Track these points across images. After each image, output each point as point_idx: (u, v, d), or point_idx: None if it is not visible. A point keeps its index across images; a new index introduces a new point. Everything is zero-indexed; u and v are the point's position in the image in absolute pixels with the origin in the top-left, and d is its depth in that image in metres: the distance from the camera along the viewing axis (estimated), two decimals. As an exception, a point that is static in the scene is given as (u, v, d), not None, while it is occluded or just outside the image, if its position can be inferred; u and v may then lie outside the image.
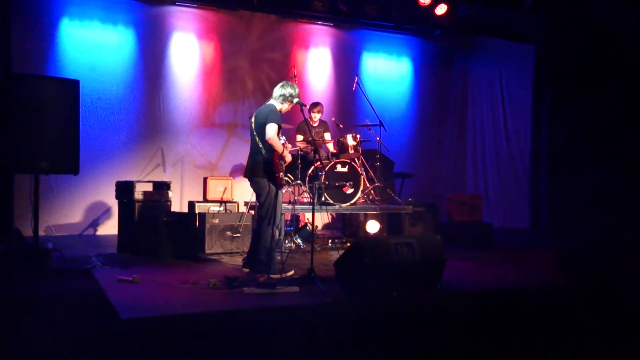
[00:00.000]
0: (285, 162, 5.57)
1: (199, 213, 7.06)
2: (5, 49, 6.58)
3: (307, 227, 7.41)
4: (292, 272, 5.46)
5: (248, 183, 8.75)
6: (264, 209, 5.51)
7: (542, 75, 9.48)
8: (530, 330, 4.65)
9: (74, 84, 5.38)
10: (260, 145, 5.48)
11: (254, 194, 5.81)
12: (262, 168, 5.47)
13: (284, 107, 5.63)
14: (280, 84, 5.67)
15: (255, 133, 5.55)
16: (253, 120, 5.62)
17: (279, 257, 5.83)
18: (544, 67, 9.44)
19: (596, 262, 5.57)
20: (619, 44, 8.44)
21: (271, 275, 5.33)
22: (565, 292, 5.33)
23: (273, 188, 5.48)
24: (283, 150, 5.52)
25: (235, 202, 7.60)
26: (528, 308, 4.91)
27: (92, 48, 8.42)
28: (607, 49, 8.60)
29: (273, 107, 5.54)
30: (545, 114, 9.40)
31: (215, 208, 7.39)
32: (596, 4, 8.61)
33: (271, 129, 5.39)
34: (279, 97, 5.60)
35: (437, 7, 9.05)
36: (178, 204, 8.47)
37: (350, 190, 7.45)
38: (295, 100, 5.64)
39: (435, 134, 11.04)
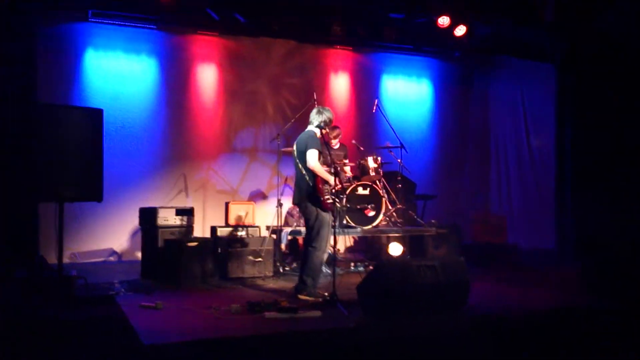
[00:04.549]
0: (330, 185, 5.62)
1: (221, 238, 7.07)
2: (31, 79, 6.74)
3: (329, 251, 7.36)
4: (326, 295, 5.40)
5: (269, 207, 8.86)
6: (312, 233, 5.59)
7: (565, 93, 9.39)
8: (559, 353, 4.52)
9: (97, 113, 5.48)
10: (304, 172, 5.59)
11: (302, 218, 5.93)
12: (307, 194, 5.56)
13: (321, 132, 5.72)
14: (316, 109, 5.79)
15: (297, 160, 5.67)
16: (295, 148, 5.75)
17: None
18: (567, 86, 9.36)
19: (625, 281, 5.43)
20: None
21: (307, 297, 5.42)
22: (594, 313, 5.19)
23: (321, 212, 5.54)
24: (327, 174, 5.60)
25: (257, 227, 7.59)
26: (557, 331, 4.79)
27: (116, 78, 8.59)
28: (629, 65, 8.50)
29: (313, 134, 5.68)
30: (569, 132, 9.29)
31: (237, 233, 7.39)
32: (616, 22, 8.54)
33: (312, 156, 5.51)
34: (315, 123, 5.71)
35: (457, 29, 9.03)
36: (201, 229, 8.50)
37: (372, 213, 7.41)
38: (328, 125, 5.74)
39: (457, 154, 10.96)
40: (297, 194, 5.72)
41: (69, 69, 8.32)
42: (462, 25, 9.02)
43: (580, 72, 9.12)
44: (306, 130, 5.78)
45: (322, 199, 5.49)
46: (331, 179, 5.61)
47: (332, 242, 5.56)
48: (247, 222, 7.59)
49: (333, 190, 5.57)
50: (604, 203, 8.36)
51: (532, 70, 10.28)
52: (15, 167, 5.20)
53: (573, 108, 9.26)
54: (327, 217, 5.58)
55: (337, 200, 5.61)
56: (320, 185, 5.51)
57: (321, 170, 5.54)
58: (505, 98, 10.96)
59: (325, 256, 5.71)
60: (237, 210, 7.66)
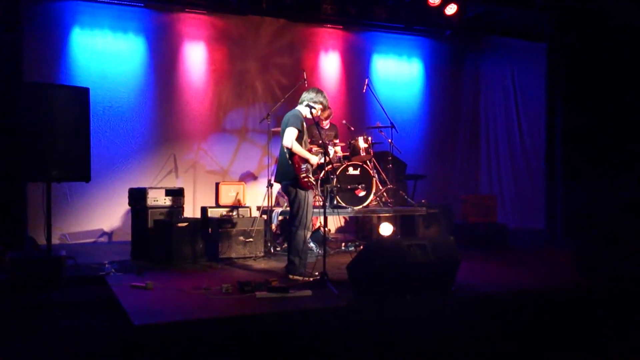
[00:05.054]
0: (312, 165, 5.63)
1: (212, 218, 7.05)
2: (17, 58, 6.62)
3: (320, 231, 7.37)
4: (317, 274, 5.42)
5: (259, 187, 8.86)
6: (293, 212, 5.62)
7: (555, 73, 9.37)
8: (546, 332, 4.57)
9: (84, 92, 5.41)
10: (285, 150, 5.57)
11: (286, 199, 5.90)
12: (286, 172, 5.57)
13: (310, 111, 5.69)
14: (308, 90, 5.79)
15: (281, 139, 5.65)
16: (281, 126, 5.74)
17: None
18: (557, 65, 9.34)
19: (615, 263, 5.48)
20: (632, 39, 8.33)
21: (297, 277, 5.43)
22: (583, 293, 5.24)
23: (299, 191, 5.54)
24: (307, 153, 5.59)
25: (247, 207, 7.58)
26: (544, 310, 4.83)
27: (103, 56, 8.48)
28: (620, 45, 8.49)
29: (297, 113, 5.68)
30: (559, 111, 9.30)
31: (227, 213, 7.38)
32: (608, 1, 8.52)
33: (288, 134, 5.51)
34: (303, 102, 5.72)
35: (447, 7, 8.97)
36: (191, 210, 8.48)
37: (362, 193, 7.41)
38: (316, 105, 5.70)
39: (447, 134, 10.96)
40: (278, 172, 5.76)
41: (55, 47, 8.19)
42: (452, 4, 8.96)
43: (571, 52, 9.10)
44: (294, 109, 5.77)
45: (299, 177, 5.48)
46: (312, 158, 5.61)
47: (321, 221, 5.55)
48: (237, 202, 7.57)
49: (327, 169, 5.50)
50: (594, 184, 8.41)
51: (523, 50, 10.25)
52: (1, 147, 5.15)
53: (564, 89, 9.24)
54: (306, 195, 5.57)
55: (311, 179, 5.57)
56: (297, 164, 5.49)
57: (298, 149, 5.52)
58: (496, 78, 10.96)
59: (308, 234, 5.71)
60: (228, 190, 7.63)
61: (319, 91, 5.77)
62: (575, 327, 4.66)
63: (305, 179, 5.52)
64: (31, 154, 5.10)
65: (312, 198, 5.74)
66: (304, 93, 5.79)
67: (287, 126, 5.55)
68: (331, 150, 7.34)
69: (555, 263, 6.67)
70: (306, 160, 5.57)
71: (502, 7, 9.23)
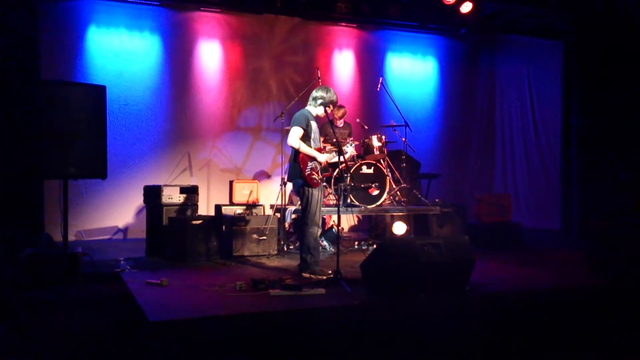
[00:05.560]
0: (319, 162, 5.64)
1: (226, 216, 7.08)
2: (34, 56, 6.70)
3: (333, 229, 7.38)
4: (330, 272, 5.42)
5: (273, 186, 8.88)
6: (302, 210, 5.65)
7: (572, 71, 9.29)
8: (562, 332, 4.54)
9: (100, 90, 5.45)
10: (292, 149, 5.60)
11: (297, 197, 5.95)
12: (294, 170, 5.60)
13: (319, 110, 5.70)
14: (317, 88, 5.79)
15: None
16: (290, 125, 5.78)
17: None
18: (573, 63, 9.26)
19: (631, 262, 5.42)
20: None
21: (310, 275, 5.45)
22: (598, 293, 5.19)
23: (307, 189, 5.56)
24: (312, 151, 5.60)
25: (261, 205, 7.61)
26: (560, 310, 4.80)
27: (118, 55, 8.54)
28: (637, 44, 8.40)
29: (304, 111, 5.70)
30: (575, 110, 9.22)
31: (241, 211, 7.41)
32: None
33: (292, 133, 5.56)
34: (312, 101, 5.73)
35: (462, 5, 8.93)
36: (205, 208, 8.52)
37: (376, 192, 7.40)
38: (325, 103, 5.69)
39: (462, 133, 10.91)
40: (289, 171, 5.79)
41: (71, 46, 8.27)
42: (467, 2, 8.91)
43: (588, 51, 9.01)
44: (303, 108, 5.79)
45: (303, 175, 5.51)
46: (319, 156, 5.63)
47: (335, 220, 5.55)
48: (251, 200, 7.60)
49: (341, 167, 5.48)
50: (610, 184, 8.33)
51: (539, 48, 10.17)
52: (20, 145, 5.21)
53: (580, 88, 9.17)
54: (313, 192, 5.57)
55: (315, 176, 5.56)
56: (301, 163, 5.52)
57: (303, 148, 5.55)
58: (512, 77, 10.87)
59: (319, 231, 5.72)
60: (241, 188, 7.66)
61: (327, 89, 5.76)
62: (590, 327, 4.62)
63: (310, 177, 5.54)
64: (48, 151, 5.16)
65: (322, 195, 5.74)
66: (313, 92, 5.78)
67: (292, 126, 5.59)
68: (349, 148, 7.33)
69: (570, 263, 6.61)
70: (313, 158, 5.59)
71: (518, 5, 9.17)
